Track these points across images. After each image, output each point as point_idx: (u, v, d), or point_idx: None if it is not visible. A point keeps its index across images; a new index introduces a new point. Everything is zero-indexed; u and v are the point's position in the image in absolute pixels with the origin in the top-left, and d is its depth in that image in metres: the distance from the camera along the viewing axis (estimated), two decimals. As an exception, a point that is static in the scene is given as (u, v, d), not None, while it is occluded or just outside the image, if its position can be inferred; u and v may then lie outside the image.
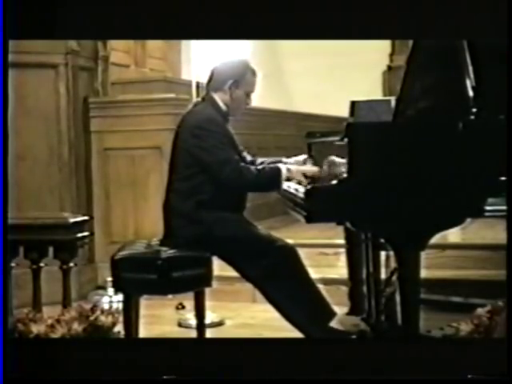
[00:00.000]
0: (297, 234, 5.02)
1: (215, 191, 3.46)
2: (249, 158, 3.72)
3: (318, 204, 2.96)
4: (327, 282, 4.32)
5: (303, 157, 3.70)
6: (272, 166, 3.53)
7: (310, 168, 3.52)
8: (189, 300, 3.87)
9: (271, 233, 3.57)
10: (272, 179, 3.44)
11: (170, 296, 4.00)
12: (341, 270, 4.23)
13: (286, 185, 3.48)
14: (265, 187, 3.59)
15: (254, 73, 3.63)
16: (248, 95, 3.63)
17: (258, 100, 3.83)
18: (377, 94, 8.84)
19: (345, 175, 2.94)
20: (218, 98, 3.58)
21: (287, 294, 3.37)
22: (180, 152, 3.54)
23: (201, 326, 3.59)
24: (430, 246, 2.98)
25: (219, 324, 4.39)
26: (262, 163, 3.67)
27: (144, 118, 5.31)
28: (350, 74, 8.92)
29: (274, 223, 5.64)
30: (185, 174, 3.50)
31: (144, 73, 7.23)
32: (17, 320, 3.15)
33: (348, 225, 3.13)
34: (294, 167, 3.50)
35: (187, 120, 3.57)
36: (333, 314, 3.42)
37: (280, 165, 3.49)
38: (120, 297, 3.61)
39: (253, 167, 3.50)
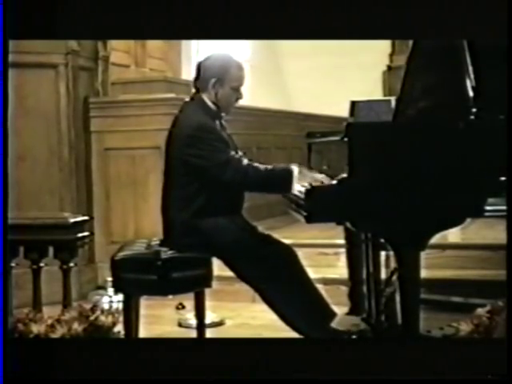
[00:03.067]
0: (297, 234, 5.03)
1: (212, 197, 3.40)
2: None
3: (318, 204, 2.96)
4: (327, 281, 4.32)
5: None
6: (283, 166, 3.36)
7: (322, 176, 3.35)
8: (189, 300, 3.87)
9: (271, 233, 3.53)
10: (283, 180, 3.30)
11: (170, 296, 3.99)
12: (341, 269, 4.23)
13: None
14: (274, 188, 3.45)
15: (239, 66, 3.49)
16: (237, 90, 3.49)
17: (257, 100, 3.82)
18: (377, 94, 8.85)
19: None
20: (206, 98, 3.48)
21: (286, 295, 3.35)
22: (174, 161, 3.47)
23: (201, 326, 3.58)
24: (430, 246, 2.98)
25: (219, 324, 4.39)
26: None
27: (144, 118, 5.31)
28: (350, 74, 8.93)
29: (274, 223, 5.63)
30: (180, 182, 3.43)
31: (144, 73, 7.23)
32: (17, 320, 3.15)
33: (348, 225, 3.13)
34: (307, 171, 3.36)
35: (179, 126, 3.48)
36: (332, 315, 3.41)
37: (292, 165, 3.33)
38: (120, 297, 3.61)
39: (262, 166, 3.36)
